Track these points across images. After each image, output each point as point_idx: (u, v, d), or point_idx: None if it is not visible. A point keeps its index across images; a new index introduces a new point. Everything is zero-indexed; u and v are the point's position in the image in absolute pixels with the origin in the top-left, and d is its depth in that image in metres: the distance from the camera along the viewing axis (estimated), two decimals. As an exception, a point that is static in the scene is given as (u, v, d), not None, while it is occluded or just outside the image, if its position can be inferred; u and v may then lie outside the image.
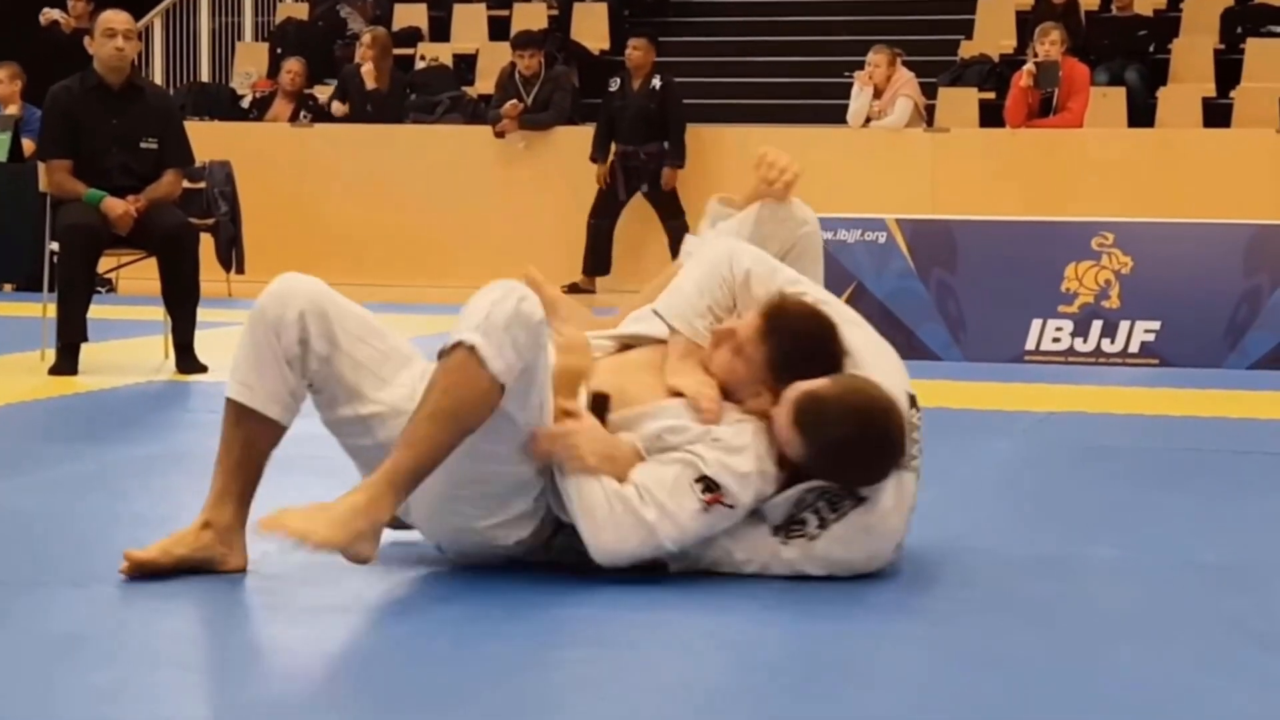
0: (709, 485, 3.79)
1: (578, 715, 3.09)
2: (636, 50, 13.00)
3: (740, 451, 3.82)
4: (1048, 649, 3.52)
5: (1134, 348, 8.98)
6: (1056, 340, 9.06)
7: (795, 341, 3.88)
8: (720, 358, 3.94)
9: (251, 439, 3.92)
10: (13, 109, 13.34)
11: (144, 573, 3.85)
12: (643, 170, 12.89)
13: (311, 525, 3.59)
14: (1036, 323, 9.09)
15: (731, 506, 3.81)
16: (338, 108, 13.87)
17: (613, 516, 3.77)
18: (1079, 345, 9.04)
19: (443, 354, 3.68)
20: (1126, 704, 3.14)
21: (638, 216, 13.03)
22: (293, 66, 14.62)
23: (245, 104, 15.03)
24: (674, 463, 3.81)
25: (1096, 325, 9.04)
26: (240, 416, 3.91)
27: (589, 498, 3.79)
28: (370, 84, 13.99)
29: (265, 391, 3.89)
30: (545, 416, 3.79)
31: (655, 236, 12.98)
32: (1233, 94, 13.67)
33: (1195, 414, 7.26)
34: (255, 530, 3.64)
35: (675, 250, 12.72)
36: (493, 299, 3.68)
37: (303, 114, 14.39)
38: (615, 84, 13.07)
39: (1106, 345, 9.02)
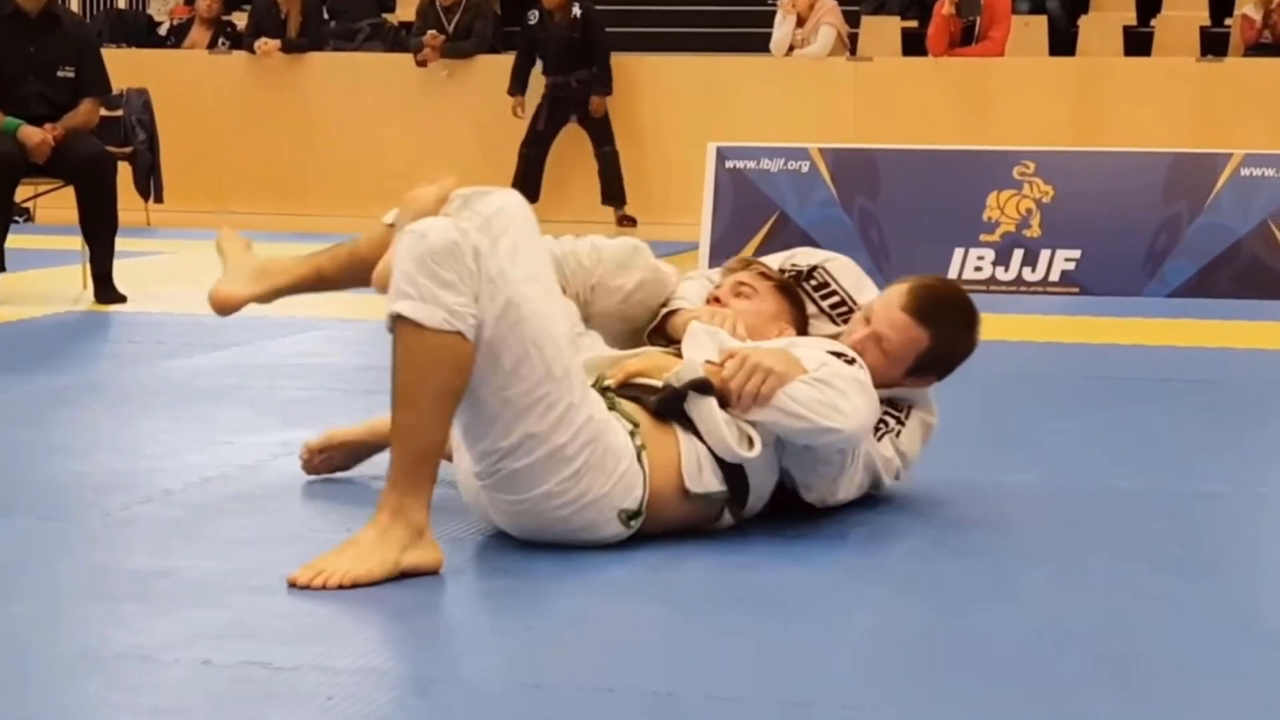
0: (848, 359, 3.84)
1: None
2: None
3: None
4: (964, 574, 3.55)
5: (1054, 276, 9.03)
6: (978, 269, 9.11)
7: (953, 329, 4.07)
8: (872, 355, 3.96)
9: None
10: None
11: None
12: (574, 99, 12.86)
13: (352, 563, 3.31)
14: (959, 251, 9.14)
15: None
16: (263, 45, 13.67)
17: (835, 396, 3.64)
18: (1000, 274, 9.08)
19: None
20: (1042, 629, 3.18)
21: (567, 148, 12.99)
22: (209, -8, 14.45)
23: (162, 31, 14.86)
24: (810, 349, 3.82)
25: (1018, 254, 9.09)
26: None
27: (803, 397, 3.62)
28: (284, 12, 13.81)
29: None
30: (552, 326, 3.52)
31: (583, 168, 12.94)
32: (1154, 22, 13.72)
33: (1115, 341, 7.31)
34: (290, 589, 3.30)
35: (605, 177, 12.83)
36: (399, 253, 3.42)
37: (220, 40, 14.23)
38: (534, 16, 12.98)
39: (1028, 274, 9.07)
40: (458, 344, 3.35)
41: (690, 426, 3.68)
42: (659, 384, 3.72)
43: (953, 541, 3.82)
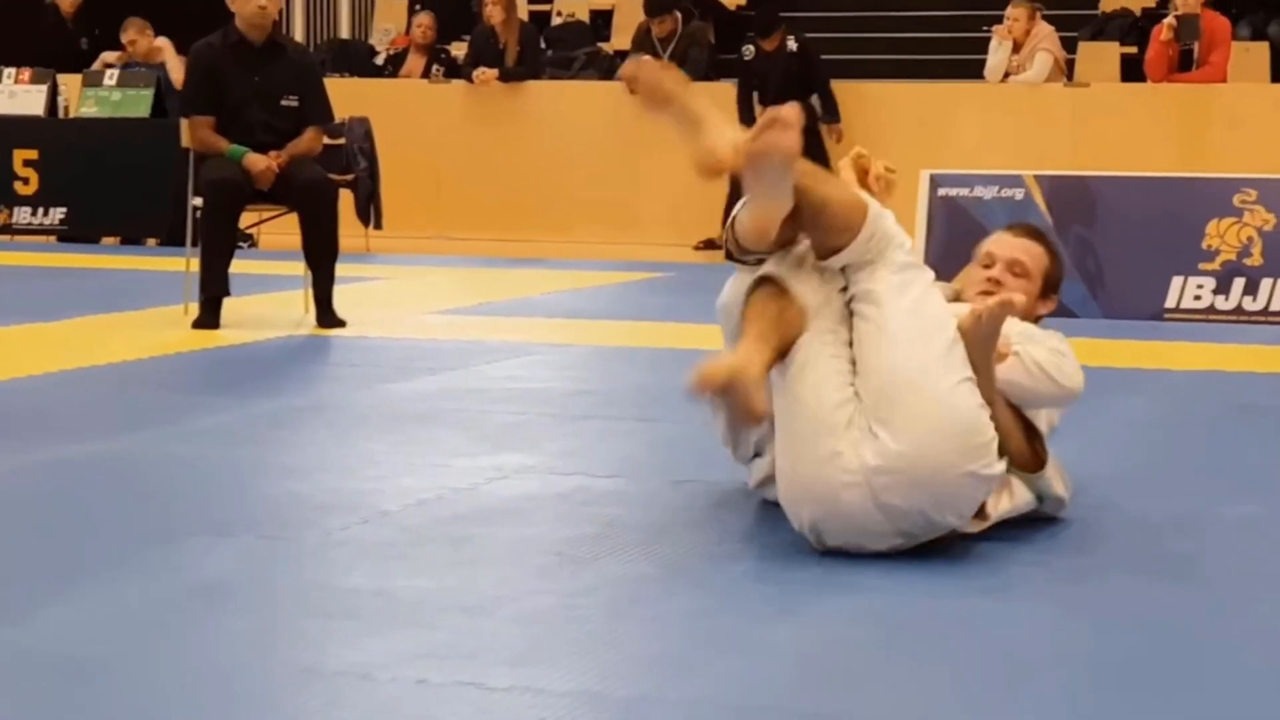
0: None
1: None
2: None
3: None
4: (1185, 606, 3.50)
5: (1276, 305, 8.84)
6: (1197, 298, 8.95)
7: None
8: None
9: None
10: (172, 64, 13.39)
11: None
12: None
13: None
14: (1177, 280, 8.99)
15: None
16: (481, 75, 13.88)
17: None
18: (1220, 303, 8.92)
19: None
20: (1267, 661, 3.12)
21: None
22: (423, 20, 14.72)
23: (379, 61, 15.13)
24: None
25: (1238, 283, 8.92)
26: None
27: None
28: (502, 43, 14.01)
29: None
30: None
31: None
32: (1379, 48, 13.42)
33: (1339, 373, 7.15)
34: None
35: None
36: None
37: (435, 68, 14.46)
38: (749, 52, 13.04)
39: (1248, 303, 8.90)
40: None
41: None
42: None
43: (1171, 571, 3.75)
